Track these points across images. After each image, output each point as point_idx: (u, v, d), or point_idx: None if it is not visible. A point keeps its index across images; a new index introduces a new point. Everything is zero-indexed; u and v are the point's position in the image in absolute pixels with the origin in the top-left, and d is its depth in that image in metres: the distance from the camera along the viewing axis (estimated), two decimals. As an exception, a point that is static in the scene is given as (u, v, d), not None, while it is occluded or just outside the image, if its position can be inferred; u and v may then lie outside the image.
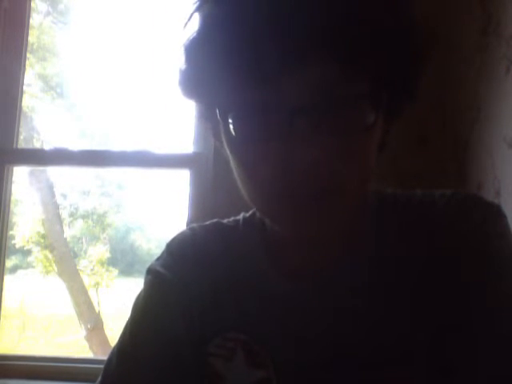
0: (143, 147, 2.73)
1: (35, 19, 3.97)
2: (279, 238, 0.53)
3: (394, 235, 0.51)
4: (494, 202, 0.50)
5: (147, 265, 0.57)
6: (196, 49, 0.44)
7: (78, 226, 4.88)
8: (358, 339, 0.48)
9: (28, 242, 4.15)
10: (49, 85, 4.33)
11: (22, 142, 3.88)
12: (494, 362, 0.43)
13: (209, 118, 0.50)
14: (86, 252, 4.72)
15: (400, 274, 0.49)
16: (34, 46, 4.02)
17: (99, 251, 4.62)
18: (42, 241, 4.20)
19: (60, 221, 4.30)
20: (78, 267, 4.31)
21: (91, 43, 4.60)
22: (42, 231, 4.20)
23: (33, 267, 4.47)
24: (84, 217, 4.86)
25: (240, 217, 0.59)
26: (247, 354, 0.51)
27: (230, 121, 0.43)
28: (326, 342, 0.49)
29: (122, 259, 5.52)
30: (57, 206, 4.25)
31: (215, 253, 0.56)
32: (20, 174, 3.85)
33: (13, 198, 1.50)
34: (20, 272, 5.06)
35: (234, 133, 0.43)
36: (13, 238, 4.05)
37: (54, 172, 4.22)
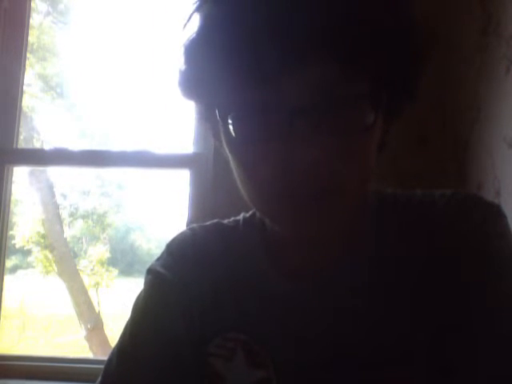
0: (143, 147, 2.73)
1: (35, 19, 3.97)
2: (279, 238, 0.53)
3: (394, 235, 0.51)
4: (494, 202, 0.50)
5: (147, 265, 0.57)
6: (196, 49, 0.44)
7: (78, 226, 4.88)
8: (358, 339, 0.48)
9: (28, 241, 4.15)
10: (49, 85, 4.33)
11: (22, 142, 3.88)
12: (494, 362, 0.43)
13: (208, 119, 0.50)
14: (86, 252, 4.72)
15: (400, 274, 0.49)
16: (34, 46, 4.02)
17: (99, 251, 4.61)
18: (42, 241, 4.20)
19: (60, 221, 4.30)
20: (78, 267, 4.31)
21: (91, 43, 4.60)
22: (42, 231, 4.20)
23: (33, 267, 4.46)
24: (84, 217, 4.86)
25: (240, 217, 0.59)
26: (247, 354, 0.51)
27: (230, 121, 0.43)
28: (326, 342, 0.49)
29: (121, 259, 5.52)
30: (57, 206, 4.25)
31: (215, 253, 0.56)
32: (20, 174, 3.85)
33: (13, 198, 1.50)
34: (20, 272, 5.06)
35: (233, 133, 0.43)
36: (13, 238, 4.05)
37: (54, 172, 4.22)
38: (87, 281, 4.31)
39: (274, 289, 0.52)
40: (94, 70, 4.61)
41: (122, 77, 4.59)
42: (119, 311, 4.28)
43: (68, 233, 4.52)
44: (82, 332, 4.00)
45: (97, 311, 4.12)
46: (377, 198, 0.53)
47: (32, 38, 3.81)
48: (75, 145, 5.23)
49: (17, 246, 4.21)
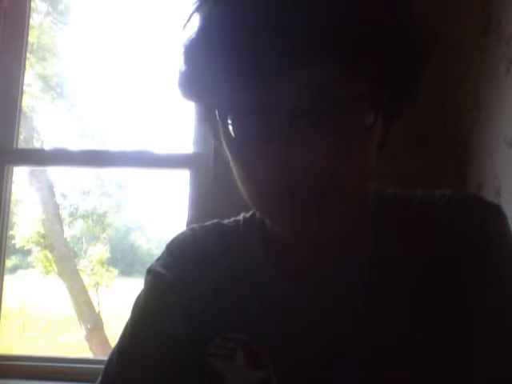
0: (143, 147, 2.73)
1: (35, 19, 3.97)
2: (279, 238, 0.53)
3: (394, 235, 0.51)
4: (494, 202, 0.50)
5: (147, 265, 0.57)
6: (195, 49, 0.44)
7: (78, 226, 4.87)
8: (358, 339, 0.48)
9: (28, 242, 4.15)
10: (49, 85, 4.33)
11: (22, 142, 3.88)
12: (494, 362, 0.43)
13: (208, 119, 0.50)
14: (86, 252, 4.72)
15: (400, 274, 0.49)
16: (34, 46, 4.01)
17: (99, 251, 4.61)
18: (42, 241, 4.20)
19: (60, 221, 4.29)
20: (78, 267, 4.31)
21: (91, 43, 4.60)
22: (42, 231, 4.20)
23: (33, 267, 4.46)
24: (84, 217, 4.86)
25: (240, 217, 0.59)
26: (247, 354, 0.51)
27: (230, 121, 0.43)
28: (326, 342, 0.49)
29: (122, 259, 5.52)
30: (57, 206, 4.25)
31: (215, 253, 0.56)
32: (20, 174, 3.85)
33: (13, 197, 1.50)
34: (20, 272, 5.05)
35: (233, 133, 0.43)
36: (13, 237, 4.04)
37: (54, 172, 4.22)
38: (87, 281, 4.31)
39: (274, 289, 0.52)
40: (94, 69, 4.61)
41: (122, 77, 4.60)
42: (119, 311, 4.28)
43: (68, 233, 4.52)
44: (82, 332, 4.00)
45: (97, 311, 4.12)
46: (377, 198, 0.53)
47: (32, 38, 3.81)
48: (75, 145, 5.23)
49: (17, 246, 4.21)
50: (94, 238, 4.81)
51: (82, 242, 4.85)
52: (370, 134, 0.43)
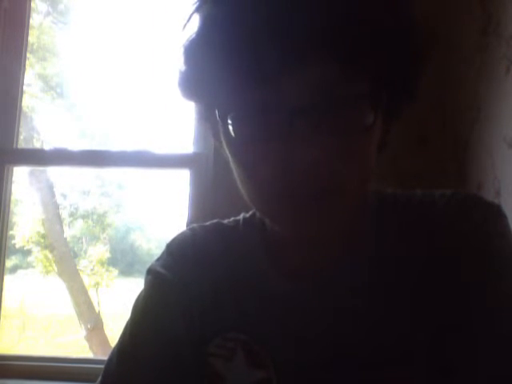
0: (143, 147, 2.73)
1: (35, 19, 3.97)
2: (279, 238, 0.53)
3: (394, 235, 0.51)
4: (494, 202, 0.50)
5: (147, 265, 0.57)
6: (195, 49, 0.44)
7: (78, 226, 4.87)
8: (358, 339, 0.48)
9: (28, 242, 4.15)
10: (49, 85, 4.33)
11: (22, 142, 3.88)
12: (494, 362, 0.43)
13: (208, 119, 0.50)
14: (86, 252, 4.72)
15: (400, 274, 0.49)
16: (34, 46, 4.01)
17: (99, 251, 4.61)
18: (42, 241, 4.20)
19: (60, 221, 4.29)
20: (78, 267, 4.31)
21: (91, 43, 4.60)
22: (42, 231, 4.20)
23: (33, 267, 4.46)
24: (84, 217, 4.86)
25: (240, 217, 0.59)
26: (247, 354, 0.51)
27: (230, 121, 0.43)
28: (326, 342, 0.49)
29: (122, 259, 5.52)
30: (57, 206, 4.25)
31: (215, 253, 0.56)
32: (20, 174, 3.85)
33: (13, 197, 1.50)
34: (20, 272, 5.05)
35: (233, 133, 0.43)
36: (13, 237, 4.05)
37: (54, 172, 4.22)
38: (87, 281, 4.31)
39: (274, 289, 0.52)
40: (94, 69, 4.61)
41: (122, 77, 4.60)
42: (119, 311, 4.28)
43: (68, 233, 4.52)
44: (82, 332, 4.00)
45: (97, 311, 4.12)
46: (377, 198, 0.53)
47: (32, 38, 3.81)
48: (75, 145, 5.23)
49: (17, 246, 4.21)
50: (94, 238, 4.81)
51: (81, 242, 4.85)
52: (369, 134, 0.43)
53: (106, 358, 0.52)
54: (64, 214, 4.63)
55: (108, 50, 4.55)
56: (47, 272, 4.19)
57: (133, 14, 4.27)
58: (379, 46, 0.39)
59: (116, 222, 5.18)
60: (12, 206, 1.49)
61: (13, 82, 1.44)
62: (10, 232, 3.62)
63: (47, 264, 4.16)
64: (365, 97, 0.41)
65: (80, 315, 4.04)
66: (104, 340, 3.96)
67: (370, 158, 0.44)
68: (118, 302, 4.42)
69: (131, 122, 5.05)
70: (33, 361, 1.35)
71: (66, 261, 4.14)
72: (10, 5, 1.45)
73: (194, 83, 0.46)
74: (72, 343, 4.47)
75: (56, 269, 4.13)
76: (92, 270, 4.40)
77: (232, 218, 0.60)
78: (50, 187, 4.11)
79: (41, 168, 3.53)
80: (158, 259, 0.57)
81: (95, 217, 4.89)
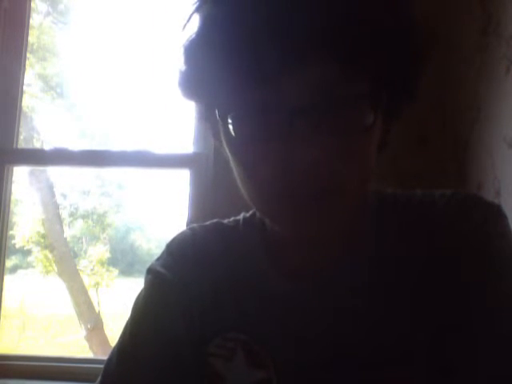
0: (143, 147, 2.73)
1: (35, 19, 3.97)
2: (279, 238, 0.53)
3: (394, 235, 0.51)
4: (494, 202, 0.50)
5: (147, 265, 0.57)
6: (195, 49, 0.44)
7: (78, 226, 4.88)
8: (358, 339, 0.48)
9: (28, 242, 4.15)
10: (49, 85, 4.33)
11: (22, 142, 3.88)
12: (494, 362, 0.43)
13: (208, 118, 0.50)
14: (86, 252, 4.72)
15: (400, 274, 0.49)
16: (34, 46, 4.01)
17: (99, 251, 4.61)
18: (42, 241, 4.20)
19: (60, 221, 4.29)
20: (78, 267, 4.31)
21: (91, 43, 4.60)
22: (42, 231, 4.20)
23: (33, 267, 4.46)
24: (84, 217, 4.86)
25: (240, 217, 0.59)
26: (247, 354, 0.51)
27: (230, 121, 0.43)
28: (326, 342, 0.49)
29: (122, 259, 5.52)
30: (57, 206, 4.25)
31: (215, 253, 0.56)
32: (20, 174, 3.85)
33: (13, 197, 1.50)
34: (20, 272, 5.05)
35: (233, 133, 0.43)
36: (13, 237, 4.05)
37: (54, 172, 4.22)
38: (87, 281, 4.31)
39: (274, 289, 0.52)
40: (94, 69, 4.61)
41: (122, 77, 4.60)
42: (119, 311, 4.28)
43: (68, 233, 4.52)
44: (82, 332, 4.00)
45: (97, 311, 4.12)
46: (377, 198, 0.53)
47: (32, 38, 3.81)
48: (75, 145, 5.23)
49: (17, 246, 4.21)
50: (94, 238, 4.81)
51: (81, 242, 4.85)
52: (369, 133, 0.43)
53: (105, 358, 0.52)
54: (64, 214, 4.63)
55: (108, 50, 4.55)
56: (47, 272, 4.19)
57: (133, 13, 4.28)
58: (379, 46, 0.39)
59: (116, 222, 5.18)
60: (12, 206, 1.49)
61: (13, 82, 1.44)
62: (10, 232, 3.62)
63: (47, 264, 4.16)
64: (365, 97, 0.41)
65: (80, 315, 4.04)
66: (104, 340, 3.96)
67: (370, 158, 0.44)
68: (118, 302, 4.42)
69: (131, 122, 5.05)
70: (33, 361, 1.35)
71: (66, 261, 4.14)
72: (10, 5, 1.45)
73: (195, 83, 0.46)
74: (72, 343, 4.48)
75: (56, 269, 4.13)
76: (92, 270, 4.40)
77: (232, 218, 0.60)
78: (50, 187, 4.11)
79: (41, 168, 3.53)
80: (157, 259, 0.57)
81: (95, 217, 4.89)
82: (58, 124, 4.63)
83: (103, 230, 4.87)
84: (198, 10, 0.44)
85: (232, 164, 0.47)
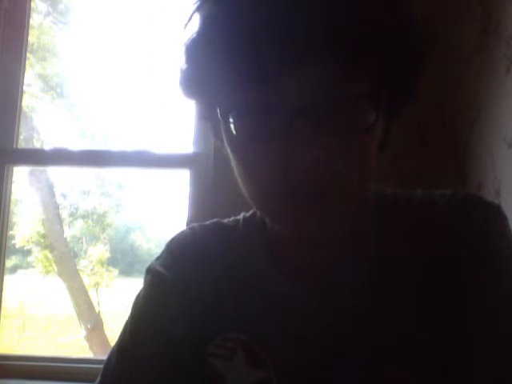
0: (143, 147, 2.73)
1: (35, 19, 3.97)
2: (279, 238, 0.53)
3: (394, 235, 0.51)
4: (494, 202, 0.50)
5: (147, 265, 0.57)
6: (196, 49, 0.44)
7: (78, 226, 4.88)
8: (358, 339, 0.48)
9: (28, 242, 4.15)
10: (49, 85, 4.33)
11: (22, 142, 3.88)
12: (494, 362, 0.43)
13: (209, 118, 0.50)
14: (86, 252, 4.72)
15: (400, 274, 0.49)
16: (34, 46, 4.01)
17: (99, 251, 4.61)
18: (42, 241, 4.20)
19: (60, 221, 4.29)
20: (78, 267, 4.31)
21: (91, 43, 4.60)
22: (42, 231, 4.20)
23: (33, 267, 4.46)
24: (84, 217, 4.86)
25: (240, 216, 0.59)
26: (247, 354, 0.51)
27: (231, 120, 0.43)
28: (326, 342, 0.49)
29: (122, 259, 5.52)
30: (57, 206, 4.25)
31: (215, 253, 0.56)
32: (20, 174, 3.85)
33: (13, 197, 1.50)
34: (20, 272, 5.06)
35: (234, 132, 0.43)
36: (13, 237, 4.05)
37: (54, 172, 4.22)
38: (87, 281, 4.31)
39: (274, 289, 0.52)
40: (94, 69, 4.62)
41: (122, 77, 4.60)
42: (119, 311, 4.28)
43: (68, 233, 4.52)
44: (82, 332, 4.00)
45: (97, 311, 4.12)
46: (377, 198, 0.53)
47: (32, 38, 3.81)
48: (75, 145, 5.23)
49: (17, 246, 4.21)
50: (94, 238, 4.81)
51: (82, 242, 4.85)
52: (370, 134, 0.43)
53: (105, 357, 0.52)
54: (64, 214, 4.63)
55: (108, 50, 4.55)
56: (47, 272, 4.19)
57: (133, 13, 4.28)
58: (379, 46, 0.39)
59: (116, 222, 5.18)
60: (12, 206, 1.49)
61: (13, 82, 1.44)
62: (10, 232, 3.62)
63: (47, 264, 4.16)
64: (365, 97, 0.41)
65: (80, 315, 4.04)
66: (104, 340, 3.96)
67: (370, 158, 0.44)
68: (118, 301, 4.42)
69: (131, 122, 5.06)
70: (33, 361, 1.35)
71: (66, 261, 4.14)
72: (10, 5, 1.45)
73: (195, 82, 0.46)
74: (72, 343, 4.48)
75: (56, 269, 4.13)
76: (92, 270, 4.40)
77: (232, 218, 0.60)
78: (50, 187, 4.11)
79: (41, 168, 3.53)
80: (157, 258, 0.57)
81: (95, 217, 4.89)
82: (58, 124, 4.64)
83: (103, 230, 4.87)
84: (198, 9, 0.44)
85: (233, 163, 0.47)
